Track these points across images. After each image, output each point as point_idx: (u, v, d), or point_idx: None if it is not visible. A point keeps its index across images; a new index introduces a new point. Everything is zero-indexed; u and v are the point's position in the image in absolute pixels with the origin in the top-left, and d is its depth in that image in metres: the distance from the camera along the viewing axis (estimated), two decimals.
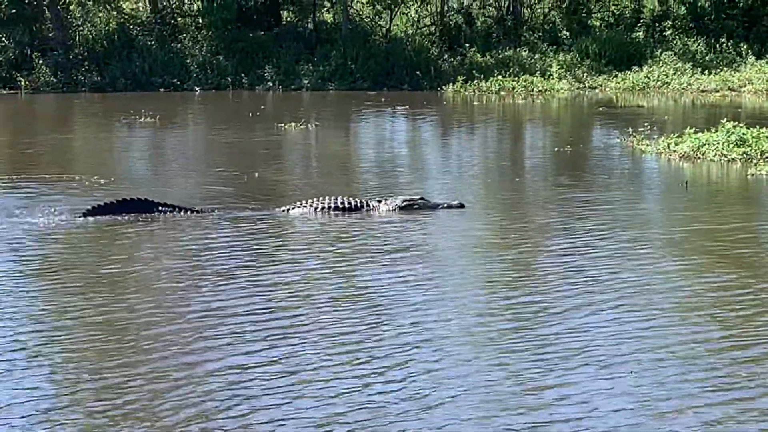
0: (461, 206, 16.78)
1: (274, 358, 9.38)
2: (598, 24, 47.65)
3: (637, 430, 7.89)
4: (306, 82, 42.62)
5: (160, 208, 16.19)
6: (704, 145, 22.54)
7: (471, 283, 12.17)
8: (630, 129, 26.16)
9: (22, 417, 8.11)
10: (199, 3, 47.35)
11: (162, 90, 42.05)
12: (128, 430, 7.91)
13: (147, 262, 13.24)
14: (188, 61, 43.83)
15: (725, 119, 23.62)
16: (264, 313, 10.83)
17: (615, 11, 48.24)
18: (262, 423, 8.01)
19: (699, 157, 22.23)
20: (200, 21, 46.31)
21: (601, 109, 35.01)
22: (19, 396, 8.51)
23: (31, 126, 31.97)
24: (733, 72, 41.69)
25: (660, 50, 44.06)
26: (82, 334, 10.16)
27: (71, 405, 8.35)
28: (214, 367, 9.18)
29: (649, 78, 41.69)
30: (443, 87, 41.76)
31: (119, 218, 15.83)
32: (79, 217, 15.92)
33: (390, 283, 12.06)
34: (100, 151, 26.16)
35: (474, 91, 40.80)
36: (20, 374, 9.03)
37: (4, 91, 42.37)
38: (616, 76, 42.37)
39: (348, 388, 8.66)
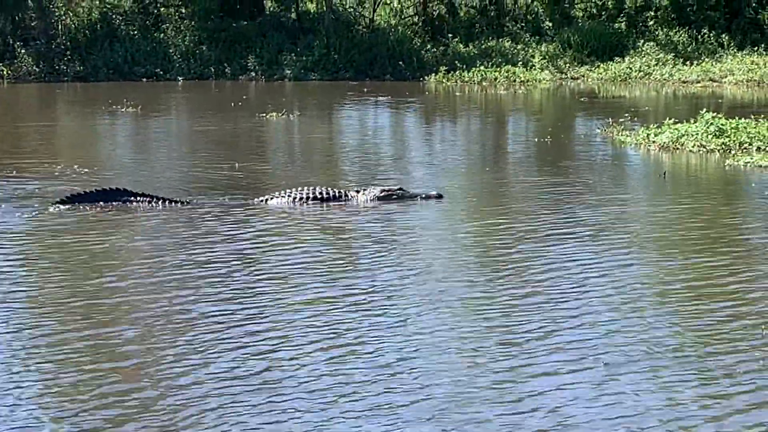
0: (440, 197, 16.80)
1: (248, 346, 9.40)
2: (580, 14, 47.67)
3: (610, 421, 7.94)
4: (288, 72, 42.61)
5: (137, 197, 16.18)
6: (683, 135, 22.62)
7: (444, 273, 12.18)
8: (611, 120, 26.24)
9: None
10: None
11: (144, 80, 41.99)
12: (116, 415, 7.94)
13: (117, 251, 13.24)
14: (171, 50, 43.79)
15: (705, 110, 23.70)
16: (235, 304, 10.84)
17: (598, 2, 48.25)
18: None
19: (678, 148, 22.30)
20: (183, 11, 46.27)
21: (582, 99, 35.09)
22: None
23: (11, 115, 31.88)
24: (714, 63, 41.80)
25: (642, 41, 44.17)
26: (49, 319, 10.16)
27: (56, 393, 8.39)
28: (176, 357, 9.21)
29: (631, 69, 41.79)
30: (425, 77, 41.80)
31: (95, 207, 15.82)
32: (53, 205, 15.91)
33: (362, 270, 12.08)
34: (81, 139, 26.11)
35: (456, 82, 40.84)
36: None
37: None
38: (598, 66, 42.48)
39: (317, 380, 8.69)
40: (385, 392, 8.38)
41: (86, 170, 19.46)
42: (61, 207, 15.84)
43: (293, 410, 8.02)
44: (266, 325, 10.08)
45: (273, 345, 9.47)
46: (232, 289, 11.33)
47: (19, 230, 14.42)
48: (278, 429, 7.74)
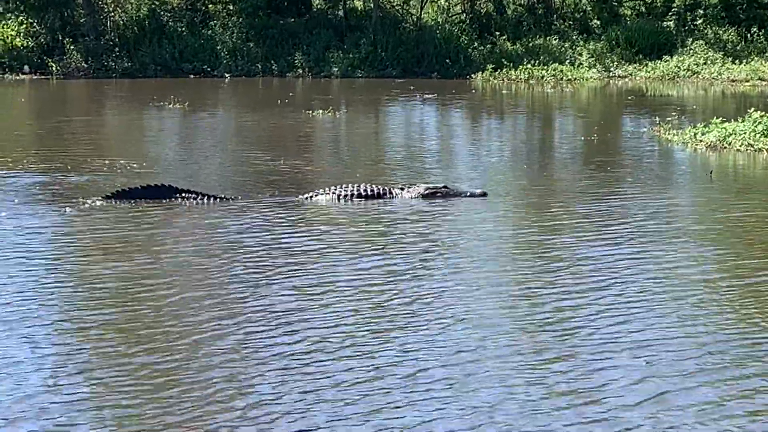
0: (484, 195, 16.76)
1: (294, 343, 9.42)
2: (629, 13, 47.49)
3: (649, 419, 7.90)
4: (335, 69, 42.72)
5: (183, 194, 16.25)
6: (731, 135, 22.48)
7: (489, 272, 12.16)
8: (658, 118, 26.13)
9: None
10: None
11: (192, 76, 42.25)
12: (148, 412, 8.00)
13: (164, 248, 13.30)
14: (218, 47, 44.02)
15: (753, 109, 23.53)
16: (281, 301, 10.88)
17: (646, 0, 48.04)
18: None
19: (725, 147, 22.15)
20: (231, 7, 46.51)
21: (629, 98, 34.91)
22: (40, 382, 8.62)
23: (60, 110, 32.15)
24: (763, 62, 41.49)
25: (691, 39, 43.90)
26: (94, 316, 10.24)
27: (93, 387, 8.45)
28: (228, 350, 9.25)
29: (679, 67, 41.58)
30: (472, 75, 41.78)
31: (141, 203, 15.91)
32: (102, 200, 16.03)
33: (405, 270, 12.08)
34: (128, 135, 26.29)
35: (503, 80, 40.81)
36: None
37: (36, 77, 42.64)
38: (646, 65, 42.29)
39: (359, 380, 8.71)
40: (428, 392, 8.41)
41: (133, 166, 19.60)
42: (108, 202, 15.95)
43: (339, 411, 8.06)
44: (311, 322, 10.12)
45: (317, 342, 9.51)
46: (277, 286, 11.36)
47: (65, 224, 14.53)
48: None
